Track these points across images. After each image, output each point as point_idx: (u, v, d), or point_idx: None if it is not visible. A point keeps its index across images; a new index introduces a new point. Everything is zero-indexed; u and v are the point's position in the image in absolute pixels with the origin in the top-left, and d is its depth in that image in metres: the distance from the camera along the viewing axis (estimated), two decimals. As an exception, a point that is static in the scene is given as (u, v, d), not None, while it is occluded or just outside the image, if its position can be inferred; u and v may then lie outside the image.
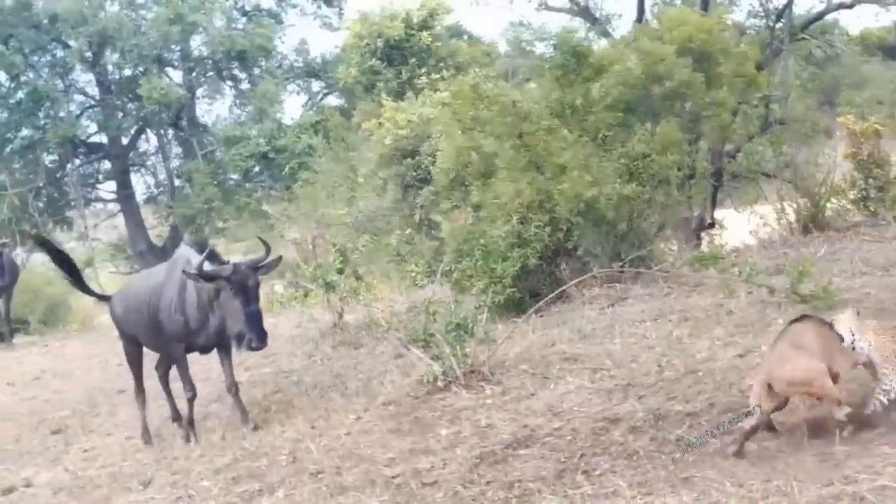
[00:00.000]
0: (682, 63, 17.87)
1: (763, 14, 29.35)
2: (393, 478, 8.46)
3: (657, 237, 16.78)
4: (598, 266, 14.47)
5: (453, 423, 9.69)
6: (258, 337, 10.42)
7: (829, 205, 17.87)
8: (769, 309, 11.69)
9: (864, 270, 13.19)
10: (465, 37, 42.29)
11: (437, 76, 28.50)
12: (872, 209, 17.62)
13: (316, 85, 45.86)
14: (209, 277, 10.49)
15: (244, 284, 10.43)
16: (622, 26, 37.48)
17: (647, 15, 30.08)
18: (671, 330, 11.67)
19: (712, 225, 20.36)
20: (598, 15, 32.66)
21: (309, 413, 10.94)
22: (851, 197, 18.47)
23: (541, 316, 13.30)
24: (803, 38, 31.15)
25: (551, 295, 13.29)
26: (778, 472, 6.98)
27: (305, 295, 15.45)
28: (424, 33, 35.38)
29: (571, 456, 8.24)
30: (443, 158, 18.42)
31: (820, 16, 31.14)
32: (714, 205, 20.38)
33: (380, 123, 25.78)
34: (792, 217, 17.81)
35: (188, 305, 10.95)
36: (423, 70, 32.79)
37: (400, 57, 34.82)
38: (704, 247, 18.82)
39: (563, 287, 13.91)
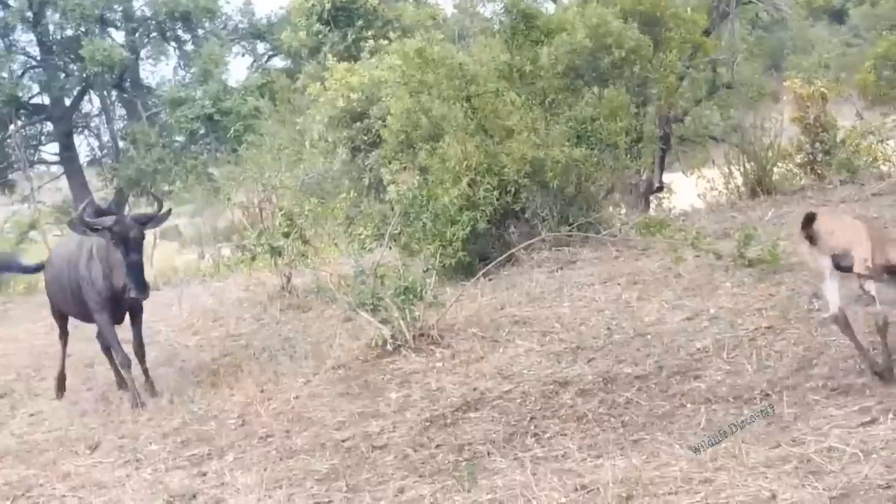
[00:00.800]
0: (629, 29, 17.83)
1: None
2: (342, 441, 8.45)
3: (605, 201, 16.81)
4: (546, 230, 14.45)
5: (403, 386, 9.69)
6: (137, 287, 10.41)
7: (776, 168, 17.96)
8: (717, 272, 11.75)
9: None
10: (412, -1, 42.06)
11: (384, 39, 28.24)
12: (819, 172, 17.72)
13: (261, 47, 45.50)
14: (92, 227, 10.55)
15: (125, 235, 10.43)
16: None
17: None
18: (620, 293, 11.70)
19: (660, 189, 20.43)
20: (545, -21, 32.54)
21: (258, 377, 10.88)
22: (798, 160, 18.58)
23: (490, 279, 13.30)
24: (750, 2, 31.22)
25: (500, 258, 13.29)
26: (726, 434, 7.01)
27: (253, 258, 15.32)
28: (371, -5, 35.11)
29: (521, 419, 8.26)
30: (391, 121, 18.33)
31: (766, -21, 31.22)
32: (662, 169, 20.39)
33: (325, 87, 25.57)
34: (739, 181, 17.91)
35: (94, 269, 10.90)
36: (370, 33, 32.50)
37: (346, 19, 34.49)
38: (653, 210, 18.90)
39: (512, 250, 13.92)
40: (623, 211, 17.40)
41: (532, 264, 14.08)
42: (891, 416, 6.71)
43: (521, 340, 10.42)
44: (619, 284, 12.16)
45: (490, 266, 12.95)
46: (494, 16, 20.32)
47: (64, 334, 12.31)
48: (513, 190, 14.94)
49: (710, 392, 8.05)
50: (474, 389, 9.18)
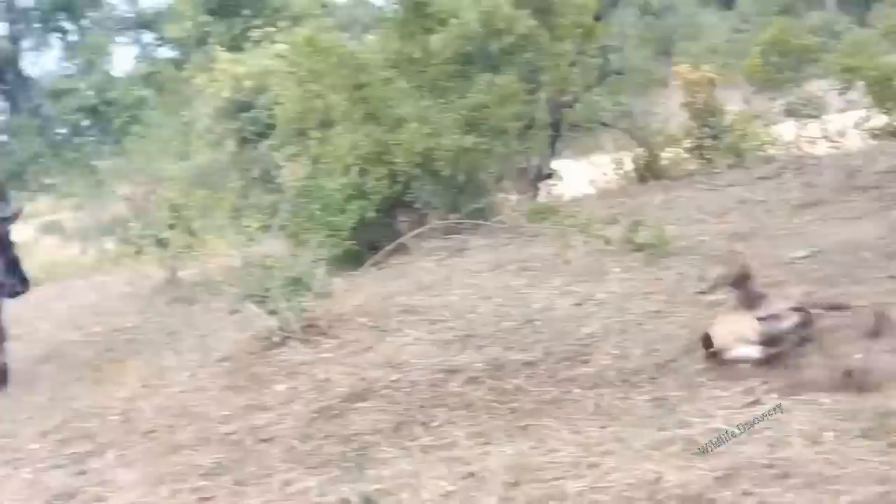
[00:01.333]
0: (521, 15, 17.84)
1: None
2: (228, 434, 8.26)
3: (496, 188, 16.81)
4: (436, 218, 14.39)
5: (290, 378, 9.51)
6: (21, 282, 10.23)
7: (664, 154, 18.12)
8: (606, 258, 11.78)
9: (698, 218, 13.41)
10: (301, -14, 41.75)
11: (273, 28, 28.00)
12: (707, 158, 17.90)
13: (147, 37, 44.93)
14: None
15: None
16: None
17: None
18: (509, 280, 11.66)
19: (550, 175, 20.45)
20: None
21: (142, 372, 10.63)
22: (687, 146, 18.77)
23: (379, 269, 13.20)
24: (641, -14, 31.63)
25: (389, 247, 13.19)
26: (613, 418, 6.98)
27: (137, 252, 15.08)
28: (258, -17, 34.77)
29: (409, 408, 8.14)
30: (280, 112, 18.15)
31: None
32: (553, 155, 20.45)
33: (211, 78, 25.29)
34: (629, 166, 18.02)
35: None
36: (258, 21, 32.20)
37: (233, 8, 34.11)
38: (543, 197, 18.92)
39: (401, 239, 13.83)
40: (513, 198, 17.40)
41: (422, 253, 14.00)
42: (774, 396, 6.75)
43: (409, 329, 10.31)
44: (508, 271, 12.12)
45: (379, 255, 12.85)
46: (386, 3, 20.27)
47: None
48: (403, 179, 14.86)
49: (598, 377, 8.00)
50: (362, 379, 9.04)
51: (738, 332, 7.51)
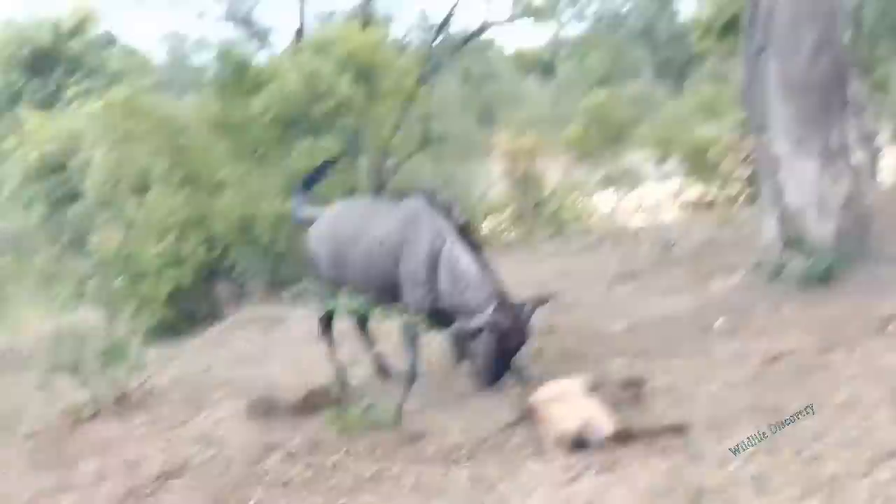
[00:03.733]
0: (343, 79, 17.86)
1: (422, 30, 29.89)
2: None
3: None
4: (256, 287, 14.21)
5: (100, 455, 9.15)
6: None
7: (485, 223, 18.24)
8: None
9: (517, 290, 13.45)
10: (119, 46, 41.08)
11: (88, 87, 27.37)
12: (527, 227, 18.08)
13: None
14: None
15: None
16: (283, 39, 37.39)
17: (308, 28, 30.09)
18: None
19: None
20: (257, 27, 32.41)
21: (-59, 450, 10.15)
22: (507, 215, 18.94)
23: (196, 339, 12.93)
24: (461, 55, 31.93)
25: (208, 318, 12.97)
26: (433, 496, 6.94)
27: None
28: (74, 42, 33.99)
29: (225, 486, 7.92)
30: (95, 173, 17.76)
31: (478, 32, 31.97)
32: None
33: (20, 138, 24.62)
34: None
35: None
36: (73, 80, 31.49)
37: (48, 66, 33.33)
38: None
39: (221, 311, 13.61)
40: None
41: (241, 323, 13.78)
42: (593, 472, 6.74)
43: (226, 403, 10.06)
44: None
45: (197, 326, 12.60)
46: (207, 65, 20.11)
47: None
48: (222, 246, 14.64)
49: (417, 453, 7.92)
50: (176, 456, 8.77)
51: (584, 414, 7.48)
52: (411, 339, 9.39)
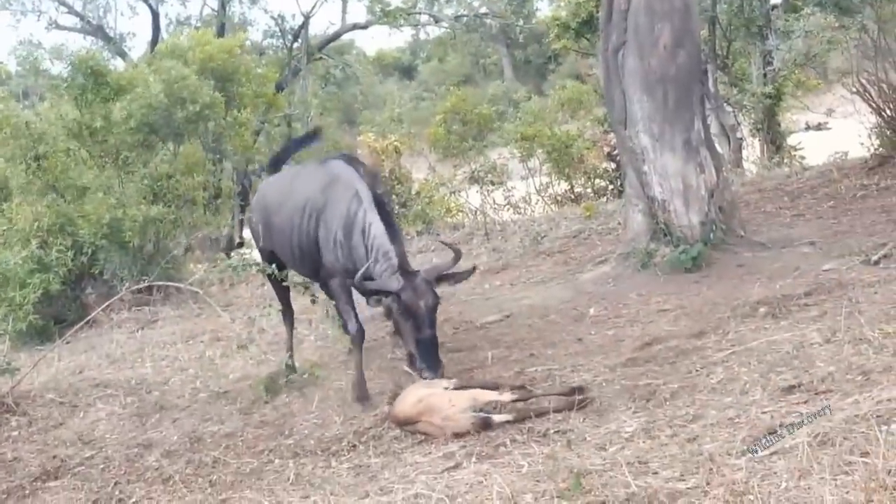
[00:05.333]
0: (204, 85, 17.80)
1: (280, 34, 29.80)
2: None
3: (186, 258, 16.62)
4: (125, 289, 14.09)
5: (-25, 458, 9.10)
6: None
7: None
8: (301, 327, 11.69)
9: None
10: (-29, 55, 40.32)
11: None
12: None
13: None
14: None
15: None
16: (138, 46, 36.96)
17: (163, 34, 29.86)
18: (203, 350, 11.55)
19: (241, 244, 20.36)
20: (111, 34, 32.03)
21: None
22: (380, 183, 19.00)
23: (67, 342, 12.77)
24: (321, 58, 31.87)
25: (78, 322, 12.80)
26: (315, 487, 6.94)
27: None
28: (-76, 52, 33.40)
29: (105, 485, 7.90)
30: (-49, 183, 17.43)
31: (336, 36, 32.01)
32: (242, 224, 20.38)
33: None
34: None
35: None
36: (-75, 91, 30.84)
37: None
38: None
39: (91, 314, 13.45)
40: (203, 267, 17.21)
41: (111, 325, 13.72)
42: (474, 459, 6.78)
43: (102, 404, 10.04)
44: (202, 342, 12.01)
45: (68, 330, 12.45)
46: (62, 73, 19.81)
47: None
48: (89, 251, 14.50)
49: (298, 446, 7.97)
50: (54, 457, 8.73)
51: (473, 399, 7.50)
52: (345, 299, 9.23)
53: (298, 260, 9.60)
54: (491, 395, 7.46)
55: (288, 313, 10.43)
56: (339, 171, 9.32)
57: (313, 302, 10.33)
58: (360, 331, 9.15)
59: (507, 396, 7.39)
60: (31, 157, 15.43)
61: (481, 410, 7.35)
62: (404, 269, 8.52)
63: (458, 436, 7.25)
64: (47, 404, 10.23)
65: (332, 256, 9.09)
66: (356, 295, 9.05)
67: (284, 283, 10.00)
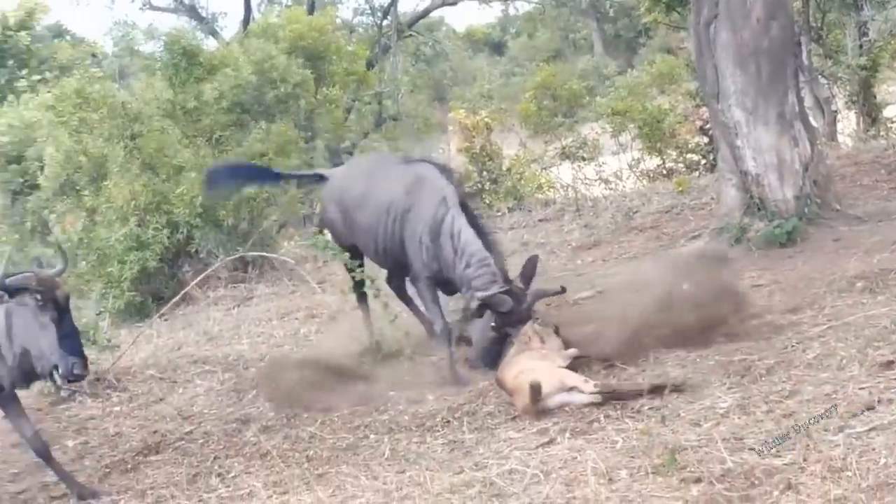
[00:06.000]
0: (293, 63, 17.93)
1: (370, 11, 29.90)
2: (19, 493, 8.03)
3: (279, 235, 16.78)
4: (221, 267, 14.26)
5: (80, 433, 9.30)
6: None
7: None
8: (394, 302, 11.75)
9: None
10: (68, 37, 40.84)
11: (39, 78, 27.21)
12: (488, 201, 18.13)
13: None
14: None
15: None
16: (230, 25, 37.25)
17: (255, 14, 30.07)
18: (298, 327, 11.69)
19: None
20: (204, 14, 32.38)
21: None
22: (467, 189, 19.04)
23: (165, 319, 13.01)
24: (411, 35, 31.92)
25: (175, 297, 13.01)
26: (411, 462, 6.99)
27: None
28: (23, 34, 33.80)
29: (204, 459, 8.05)
30: (51, 163, 17.74)
31: (425, 13, 32.05)
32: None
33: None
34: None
35: None
36: (24, 72, 31.22)
37: (-2, 60, 33.14)
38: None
39: (186, 289, 13.66)
40: (291, 243, 17.34)
41: (209, 303, 13.90)
42: (568, 435, 6.81)
43: (200, 380, 10.22)
44: (296, 319, 12.14)
45: (166, 306, 12.66)
46: (155, 53, 20.05)
47: None
48: (185, 229, 14.71)
49: (392, 422, 8.03)
50: (154, 432, 8.91)
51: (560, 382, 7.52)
52: (431, 298, 9.37)
53: (383, 257, 9.72)
54: (577, 381, 7.47)
55: (363, 297, 10.28)
56: (425, 173, 9.39)
57: (376, 296, 10.28)
58: (447, 329, 9.24)
59: (589, 387, 7.37)
60: (127, 137, 15.62)
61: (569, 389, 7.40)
62: (507, 282, 8.68)
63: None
64: (147, 380, 10.45)
65: (417, 258, 9.19)
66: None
67: (357, 278, 9.96)
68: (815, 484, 5.31)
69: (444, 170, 9.56)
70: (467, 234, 8.87)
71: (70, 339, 7.51)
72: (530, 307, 8.76)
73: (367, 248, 9.87)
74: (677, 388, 7.15)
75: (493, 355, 8.66)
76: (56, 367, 7.42)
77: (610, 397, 7.25)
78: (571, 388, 7.41)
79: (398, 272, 9.91)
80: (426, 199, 9.17)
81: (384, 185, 9.62)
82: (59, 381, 7.64)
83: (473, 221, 9.06)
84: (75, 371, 7.40)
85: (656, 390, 7.19)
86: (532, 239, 14.43)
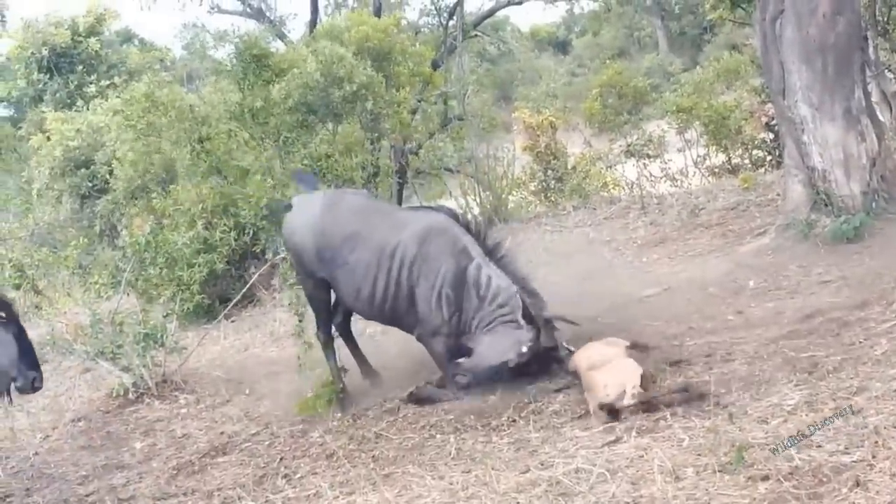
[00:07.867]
0: (360, 64, 17.96)
1: (435, 12, 29.89)
2: (87, 496, 8.12)
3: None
4: (287, 269, 14.32)
5: (148, 435, 9.41)
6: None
7: (511, 197, 18.24)
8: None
9: (546, 260, 13.49)
10: (137, 41, 41.28)
11: (108, 83, 27.57)
12: (553, 200, 18.09)
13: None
14: None
15: None
16: (297, 28, 37.44)
17: (321, 16, 30.20)
18: (363, 328, 11.63)
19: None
20: (271, 17, 32.56)
21: (-9, 436, 10.36)
22: (532, 188, 19.00)
23: (232, 321, 13.11)
24: (476, 35, 31.92)
25: (242, 300, 13.11)
26: (477, 462, 6.96)
27: (-19, 314, 14.60)
28: (92, 39, 34.24)
29: (271, 460, 8.10)
30: (120, 167, 17.91)
31: (491, 13, 32.04)
32: (400, 202, 20.52)
33: (48, 137, 24.87)
34: (476, 210, 18.10)
35: None
36: (93, 77, 31.66)
37: (68, 65, 33.55)
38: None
39: (254, 293, 13.77)
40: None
41: (274, 304, 13.92)
42: (634, 433, 6.77)
43: (266, 381, 10.27)
44: (363, 320, 12.08)
45: (231, 308, 12.75)
46: (226, 57, 20.17)
47: None
48: (251, 232, 14.79)
49: (458, 421, 7.99)
50: (221, 434, 8.99)
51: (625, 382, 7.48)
52: (444, 356, 8.95)
53: (370, 304, 9.14)
54: (633, 382, 7.39)
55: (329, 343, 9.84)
56: (438, 224, 8.96)
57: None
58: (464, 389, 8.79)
59: (634, 391, 7.29)
60: (195, 140, 15.74)
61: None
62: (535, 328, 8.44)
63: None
64: (214, 382, 10.54)
65: (435, 312, 8.77)
66: None
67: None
68: (884, 481, 5.23)
69: (460, 218, 9.09)
70: (498, 282, 8.58)
71: (28, 354, 8.06)
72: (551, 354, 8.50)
73: (347, 290, 9.26)
74: (700, 396, 7.06)
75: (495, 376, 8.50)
76: (14, 380, 7.95)
77: (644, 408, 7.20)
78: (623, 392, 7.35)
79: (390, 323, 9.49)
80: (442, 249, 8.79)
81: (383, 227, 9.11)
82: (13, 394, 8.12)
83: (502, 264, 8.75)
84: (36, 385, 8.03)
85: (699, 397, 7.11)
86: (597, 237, 14.37)
